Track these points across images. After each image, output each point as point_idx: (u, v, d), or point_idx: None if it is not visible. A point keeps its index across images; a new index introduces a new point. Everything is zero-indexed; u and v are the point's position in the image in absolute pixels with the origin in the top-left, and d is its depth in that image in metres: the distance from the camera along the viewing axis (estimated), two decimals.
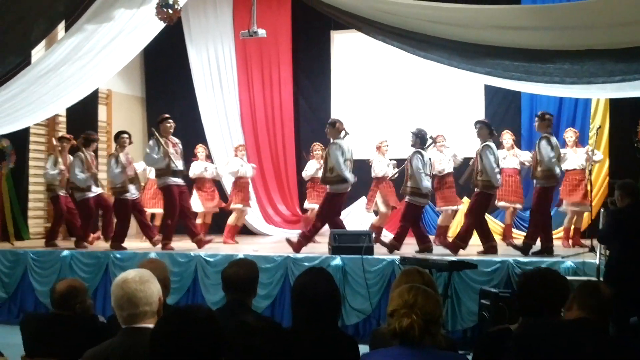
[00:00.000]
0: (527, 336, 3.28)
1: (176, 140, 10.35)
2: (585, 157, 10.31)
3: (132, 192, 10.35)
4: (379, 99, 13.58)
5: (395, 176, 11.22)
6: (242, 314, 3.88)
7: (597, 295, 3.48)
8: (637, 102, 10.33)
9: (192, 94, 14.28)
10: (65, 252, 9.71)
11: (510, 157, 10.95)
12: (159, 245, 10.03)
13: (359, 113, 13.64)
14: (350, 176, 9.45)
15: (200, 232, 10.49)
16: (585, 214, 10.41)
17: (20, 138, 11.94)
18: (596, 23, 7.72)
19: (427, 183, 9.55)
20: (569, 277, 7.25)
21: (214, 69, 14.31)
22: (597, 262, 7.41)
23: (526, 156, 10.79)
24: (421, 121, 12.49)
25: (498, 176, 9.30)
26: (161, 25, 9.71)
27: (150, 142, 10.13)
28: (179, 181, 10.07)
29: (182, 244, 10.32)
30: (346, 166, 9.42)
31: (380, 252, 8.96)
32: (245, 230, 13.26)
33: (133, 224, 10.86)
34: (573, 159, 10.28)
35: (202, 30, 14.21)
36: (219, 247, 10.43)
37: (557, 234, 11.03)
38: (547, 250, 8.91)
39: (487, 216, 10.50)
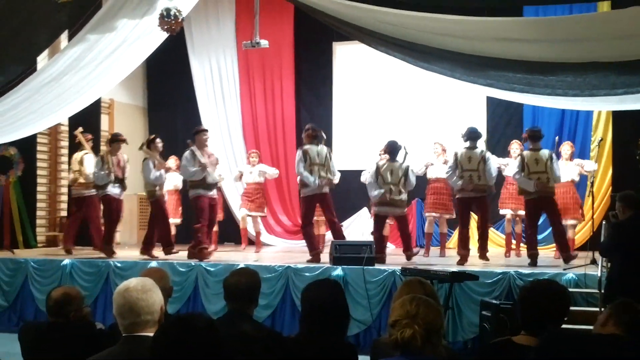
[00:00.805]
0: (552, 350, 3.21)
1: (211, 151, 10.40)
2: (577, 170, 10.40)
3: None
4: (381, 110, 13.59)
5: None
6: (243, 323, 3.87)
7: (634, 312, 3.40)
8: (639, 114, 10.33)
9: (194, 104, 14.31)
10: (66, 261, 9.70)
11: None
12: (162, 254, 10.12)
13: (360, 124, 13.67)
14: (311, 179, 9.52)
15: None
16: (587, 226, 10.43)
17: (27, 146, 11.97)
18: (599, 36, 7.73)
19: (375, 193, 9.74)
20: (570, 289, 7.28)
21: (216, 80, 14.34)
22: (599, 275, 7.38)
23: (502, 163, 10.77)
24: (423, 132, 12.56)
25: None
26: (164, 35, 9.74)
27: (187, 154, 10.02)
28: (211, 193, 10.17)
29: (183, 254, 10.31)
30: (313, 170, 9.55)
31: (380, 263, 8.95)
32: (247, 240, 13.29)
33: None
34: (564, 172, 10.13)
35: (205, 40, 14.25)
36: (219, 257, 10.41)
37: (552, 247, 11.02)
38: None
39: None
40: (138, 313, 3.08)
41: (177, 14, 9.19)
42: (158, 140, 10.55)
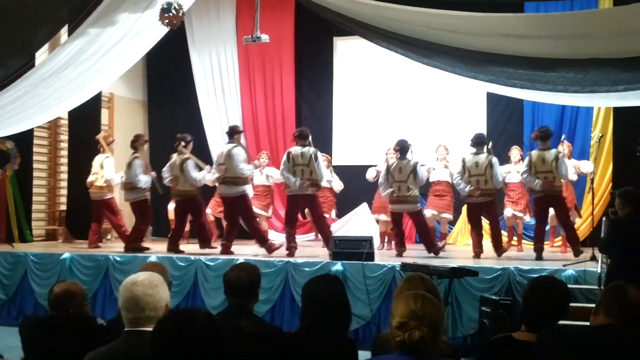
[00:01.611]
0: (548, 348, 3.21)
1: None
2: (574, 170, 10.58)
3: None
4: (381, 105, 13.57)
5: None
6: (243, 318, 3.88)
7: (622, 297, 3.31)
8: None
9: (194, 98, 14.30)
10: (65, 255, 9.69)
11: (514, 172, 11.12)
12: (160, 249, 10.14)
13: (361, 119, 13.66)
14: (292, 180, 9.82)
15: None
16: (587, 222, 10.48)
17: (24, 140, 11.96)
18: (600, 32, 7.73)
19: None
20: (570, 286, 7.29)
21: (217, 74, 14.32)
22: (599, 271, 7.39)
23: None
24: (423, 128, 12.56)
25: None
26: (165, 29, 9.72)
27: (241, 151, 10.17)
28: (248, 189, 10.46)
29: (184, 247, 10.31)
30: (296, 171, 9.80)
31: (380, 258, 8.95)
32: (247, 235, 13.28)
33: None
34: None
35: (205, 35, 14.22)
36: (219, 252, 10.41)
37: (557, 242, 11.13)
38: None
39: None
40: (143, 308, 3.08)
41: (178, 8, 9.18)
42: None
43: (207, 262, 9.10)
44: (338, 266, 8.53)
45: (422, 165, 10.30)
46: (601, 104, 10.67)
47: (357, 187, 12.54)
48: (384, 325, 7.66)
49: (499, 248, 9.85)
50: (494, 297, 7.37)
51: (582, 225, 11.49)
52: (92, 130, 12.55)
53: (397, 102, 13.47)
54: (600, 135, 10.81)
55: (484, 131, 12.46)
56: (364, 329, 8.35)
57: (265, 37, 10.32)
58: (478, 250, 9.83)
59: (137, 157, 10.66)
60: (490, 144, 10.46)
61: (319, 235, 10.62)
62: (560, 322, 3.56)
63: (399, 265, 8.09)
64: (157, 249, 10.51)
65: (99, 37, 9.71)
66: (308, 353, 3.44)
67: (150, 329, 3.00)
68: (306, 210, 10.87)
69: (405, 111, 13.36)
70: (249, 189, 10.48)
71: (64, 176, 13.11)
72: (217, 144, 13.93)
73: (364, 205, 12.63)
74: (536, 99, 10.59)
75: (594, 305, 7.04)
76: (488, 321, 7.11)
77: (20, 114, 10.19)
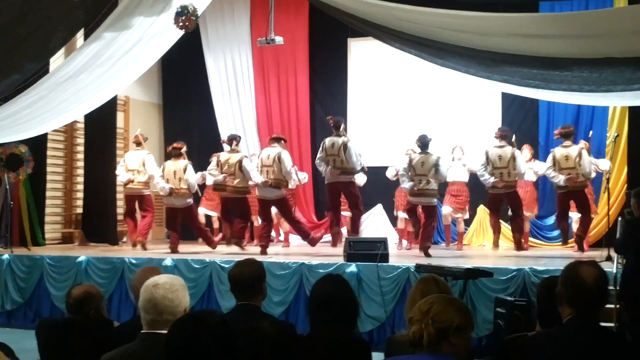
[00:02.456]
0: (525, 353, 3.17)
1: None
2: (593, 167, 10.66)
3: None
4: (396, 106, 13.57)
5: None
6: (254, 318, 3.88)
7: (580, 285, 3.08)
8: None
9: (209, 100, 14.36)
10: (82, 258, 9.74)
11: (527, 170, 11.17)
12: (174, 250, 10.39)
13: (375, 120, 13.65)
14: (323, 169, 10.41)
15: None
16: (603, 223, 10.46)
17: (38, 144, 12.03)
18: (615, 31, 7.66)
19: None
20: None
21: (231, 76, 14.38)
22: (614, 271, 7.34)
23: (541, 167, 10.97)
24: (438, 128, 12.55)
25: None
26: (180, 33, 9.76)
27: (288, 155, 10.67)
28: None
29: (194, 248, 10.36)
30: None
31: (395, 260, 8.95)
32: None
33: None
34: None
35: (220, 37, 14.28)
36: (235, 254, 10.43)
37: (570, 243, 11.07)
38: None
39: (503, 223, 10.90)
40: (162, 311, 3.08)
41: (193, 11, 9.21)
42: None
43: (222, 264, 9.12)
44: (352, 267, 8.52)
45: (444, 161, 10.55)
46: (616, 103, 10.61)
47: (371, 187, 12.53)
48: (399, 327, 7.65)
49: (519, 243, 10.25)
50: (508, 298, 7.34)
51: (598, 225, 11.44)
52: (108, 133, 12.65)
53: (411, 102, 13.45)
54: (616, 134, 10.76)
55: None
56: (378, 330, 8.34)
57: (279, 39, 10.34)
58: (497, 236, 10.51)
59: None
60: (514, 137, 10.78)
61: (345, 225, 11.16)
62: None
63: (413, 266, 8.08)
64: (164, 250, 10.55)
65: (114, 41, 9.76)
66: (319, 353, 3.45)
67: (166, 331, 3.02)
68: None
69: (420, 111, 13.35)
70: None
71: (80, 179, 13.18)
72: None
73: (379, 206, 12.63)
74: (551, 99, 10.57)
75: (610, 305, 7.08)
76: (503, 322, 7.08)
77: (37, 118, 10.26)
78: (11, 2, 9.05)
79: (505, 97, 12.52)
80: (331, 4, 8.79)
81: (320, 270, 8.55)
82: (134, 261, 9.52)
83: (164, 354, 2.57)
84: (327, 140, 10.38)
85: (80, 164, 13.18)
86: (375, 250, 8.67)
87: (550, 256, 10.06)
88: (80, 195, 13.18)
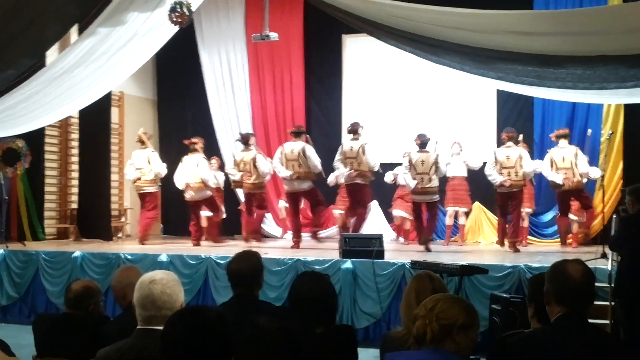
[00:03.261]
0: (520, 351, 3.16)
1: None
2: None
3: None
4: (391, 102, 13.57)
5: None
6: (251, 308, 3.90)
7: (569, 282, 3.07)
8: None
9: (204, 96, 14.35)
10: (77, 253, 9.73)
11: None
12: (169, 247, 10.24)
13: (370, 117, 13.60)
14: (341, 170, 10.86)
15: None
16: (598, 220, 10.55)
17: (35, 139, 12.02)
18: (609, 29, 7.68)
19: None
20: None
21: (226, 72, 14.36)
22: (609, 269, 7.37)
23: (537, 164, 11.15)
24: (433, 125, 12.56)
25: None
26: (175, 28, 9.74)
27: (313, 149, 11.06)
28: None
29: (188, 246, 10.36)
30: (346, 163, 10.82)
31: (390, 256, 8.96)
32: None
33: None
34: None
35: (215, 33, 14.26)
36: (230, 249, 10.44)
37: (569, 239, 11.17)
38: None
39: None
40: (160, 307, 3.09)
41: (188, 7, 9.19)
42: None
43: (218, 260, 9.12)
44: (348, 264, 8.53)
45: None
46: (611, 100, 10.64)
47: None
48: (394, 323, 7.66)
49: (514, 239, 10.48)
50: (504, 295, 7.34)
51: (593, 222, 11.48)
52: (103, 129, 12.63)
53: (406, 99, 13.46)
54: (610, 132, 10.81)
55: (494, 128, 12.55)
56: (374, 326, 8.37)
57: (274, 35, 10.34)
58: (502, 236, 10.68)
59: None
60: (521, 136, 11.14)
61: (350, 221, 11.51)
62: None
63: (408, 263, 8.09)
64: (167, 247, 10.56)
65: (109, 36, 9.73)
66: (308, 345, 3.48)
67: (162, 327, 3.03)
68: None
69: (415, 108, 13.35)
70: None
71: (75, 175, 13.16)
72: (227, 141, 14.00)
73: (374, 203, 12.63)
74: (545, 96, 10.60)
75: (605, 303, 7.11)
76: (498, 319, 7.08)
77: (31, 113, 10.24)
78: None
79: (501, 94, 12.53)
80: (326, 0, 8.78)
81: (316, 267, 8.56)
82: (129, 257, 9.52)
83: (161, 349, 2.58)
84: (345, 144, 10.95)
85: (75, 159, 13.17)
86: (370, 246, 8.69)
87: (546, 253, 10.10)
88: (76, 190, 13.17)
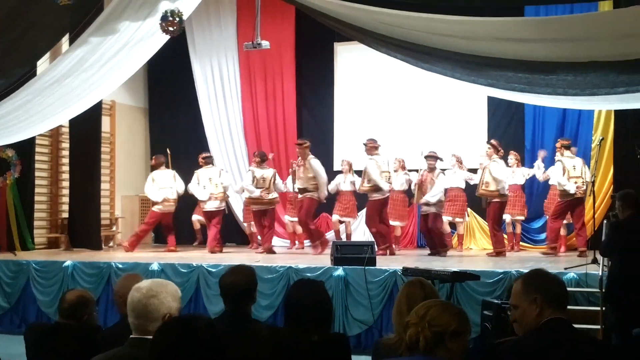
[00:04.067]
0: (512, 357, 3.16)
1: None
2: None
3: None
4: (383, 110, 13.58)
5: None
6: (242, 323, 3.89)
7: (558, 284, 3.16)
8: None
9: (196, 105, 14.34)
10: (68, 262, 9.70)
11: (513, 175, 11.65)
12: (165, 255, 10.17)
13: (362, 125, 13.64)
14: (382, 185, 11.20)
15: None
16: (589, 225, 10.58)
17: (25, 148, 11.97)
18: (599, 35, 7.71)
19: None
20: (571, 289, 7.30)
21: (218, 81, 14.35)
22: (600, 274, 7.38)
23: (526, 171, 11.66)
24: (425, 133, 12.59)
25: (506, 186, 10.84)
26: (166, 37, 9.74)
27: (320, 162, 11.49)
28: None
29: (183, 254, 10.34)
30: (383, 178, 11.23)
31: (382, 263, 8.96)
32: (245, 240, 13.45)
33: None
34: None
35: (206, 42, 14.26)
36: (222, 257, 10.43)
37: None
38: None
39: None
40: (151, 316, 3.07)
41: (179, 15, 9.19)
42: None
43: (209, 269, 9.11)
44: (339, 271, 8.52)
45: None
46: (601, 106, 10.67)
47: (358, 193, 12.52)
48: (386, 330, 7.66)
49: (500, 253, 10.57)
50: (495, 301, 7.34)
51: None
52: (93, 138, 12.59)
53: (398, 106, 13.47)
54: (601, 138, 10.84)
55: (485, 135, 12.56)
56: (366, 333, 8.35)
57: (265, 44, 10.36)
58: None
59: None
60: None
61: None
62: None
63: (400, 270, 8.09)
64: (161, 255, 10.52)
65: (100, 45, 9.73)
66: (301, 354, 3.46)
67: None
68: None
69: (406, 116, 13.37)
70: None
71: (66, 184, 13.11)
72: (218, 150, 13.99)
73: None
74: (536, 103, 10.60)
75: (596, 308, 7.12)
76: (490, 325, 7.10)
77: (22, 123, 10.22)
78: None
79: (492, 101, 12.56)
80: (317, 8, 8.79)
81: (308, 274, 8.55)
82: (120, 266, 9.49)
83: (149, 357, 2.56)
84: (378, 159, 11.32)
85: (66, 168, 13.11)
86: (362, 253, 8.68)
87: (537, 259, 10.12)
88: (66, 200, 13.11)
